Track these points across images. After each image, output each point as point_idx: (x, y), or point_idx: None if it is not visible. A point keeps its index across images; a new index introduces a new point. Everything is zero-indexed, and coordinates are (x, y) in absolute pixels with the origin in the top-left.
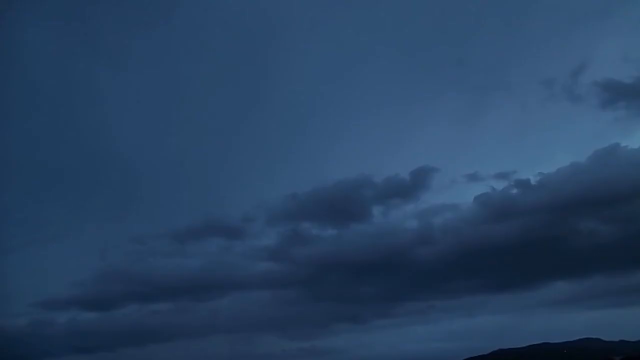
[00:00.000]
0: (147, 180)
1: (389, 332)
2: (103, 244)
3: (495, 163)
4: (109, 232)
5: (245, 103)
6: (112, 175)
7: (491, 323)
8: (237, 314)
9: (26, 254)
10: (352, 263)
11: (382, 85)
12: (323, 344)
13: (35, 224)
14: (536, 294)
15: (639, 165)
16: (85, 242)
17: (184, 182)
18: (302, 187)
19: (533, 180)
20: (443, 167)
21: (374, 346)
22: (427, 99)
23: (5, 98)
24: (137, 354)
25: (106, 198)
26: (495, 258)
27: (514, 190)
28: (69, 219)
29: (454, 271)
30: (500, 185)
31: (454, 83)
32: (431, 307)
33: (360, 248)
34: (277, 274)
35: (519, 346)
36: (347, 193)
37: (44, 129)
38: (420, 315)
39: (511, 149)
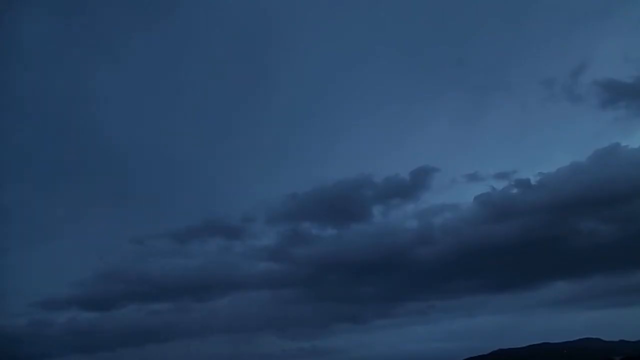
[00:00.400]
0: (147, 180)
1: (389, 332)
2: (103, 244)
3: (495, 163)
4: (109, 232)
5: (245, 103)
6: (112, 175)
7: (491, 323)
8: (237, 314)
9: (26, 254)
10: (352, 263)
11: (382, 85)
12: (323, 344)
13: (35, 224)
14: (536, 294)
15: (639, 165)
16: (85, 242)
17: (184, 182)
18: (302, 187)
19: (533, 180)
20: (443, 167)
21: (374, 346)
22: (427, 99)
23: (4, 97)
24: (137, 354)
25: (106, 198)
26: (495, 258)
27: (514, 190)
28: (69, 218)
29: (454, 271)
30: (500, 185)
31: (454, 83)
32: (431, 307)
33: (360, 248)
34: (277, 274)
35: (519, 346)
36: (347, 193)
37: (44, 129)
38: (420, 315)
39: (511, 149)
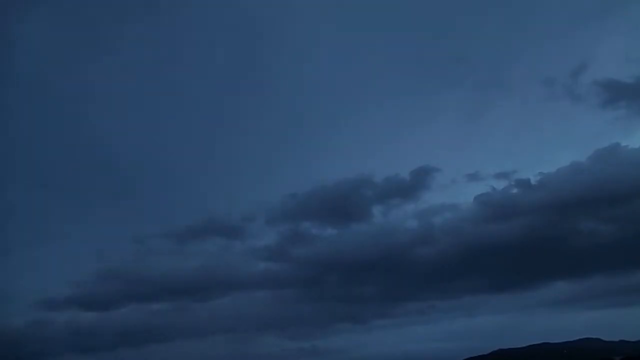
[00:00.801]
0: (147, 180)
1: (389, 332)
2: (103, 244)
3: (495, 162)
4: (109, 232)
5: (245, 102)
6: (113, 175)
7: (491, 323)
8: (237, 314)
9: (26, 254)
10: (352, 263)
11: (382, 84)
12: (323, 344)
13: (35, 224)
14: (536, 294)
15: (639, 165)
16: (85, 242)
17: (184, 182)
18: (302, 187)
19: (533, 180)
20: (443, 167)
21: (374, 346)
22: (427, 98)
23: (5, 96)
24: (137, 354)
25: (106, 198)
26: (495, 258)
27: (514, 190)
28: (69, 218)
29: (454, 271)
30: (500, 185)
31: (454, 82)
32: (431, 307)
33: (360, 248)
34: (277, 274)
35: (519, 346)
36: (347, 193)
37: (44, 128)
38: (420, 315)
39: (511, 149)
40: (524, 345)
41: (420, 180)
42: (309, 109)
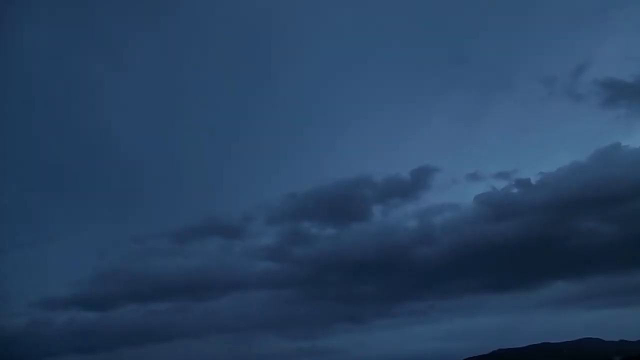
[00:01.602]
0: (147, 180)
1: (389, 332)
2: (103, 244)
3: (495, 162)
4: (109, 232)
5: (245, 102)
6: (112, 175)
7: (491, 323)
8: (237, 314)
9: (26, 254)
10: (352, 263)
11: (382, 84)
12: (323, 344)
13: (34, 224)
14: (536, 294)
15: (639, 165)
16: (85, 242)
17: (184, 182)
18: (301, 187)
19: (533, 180)
20: (444, 167)
21: (374, 346)
22: (428, 98)
23: (5, 96)
24: (136, 354)
25: (106, 198)
26: (496, 258)
27: (515, 190)
28: (69, 218)
29: (454, 271)
30: (500, 184)
31: (454, 82)
32: (431, 307)
33: (360, 248)
34: (277, 274)
35: (519, 346)
36: (347, 193)
37: (44, 128)
38: (420, 315)
39: (511, 148)
40: (524, 345)
41: (420, 180)
42: (309, 108)
